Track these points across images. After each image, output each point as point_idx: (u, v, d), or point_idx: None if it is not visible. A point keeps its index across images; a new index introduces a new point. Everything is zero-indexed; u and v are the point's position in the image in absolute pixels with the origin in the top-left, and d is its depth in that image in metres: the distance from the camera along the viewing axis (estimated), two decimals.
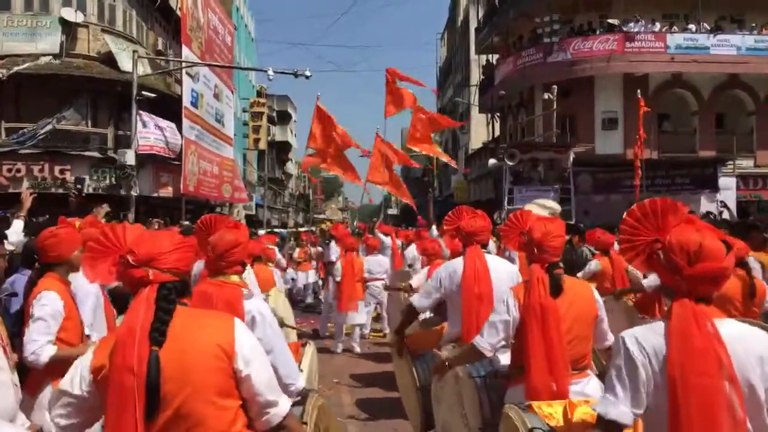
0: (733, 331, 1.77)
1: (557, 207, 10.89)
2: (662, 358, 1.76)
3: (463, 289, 3.86)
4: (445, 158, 16.70)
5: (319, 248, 13.04)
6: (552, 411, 2.47)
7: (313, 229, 25.47)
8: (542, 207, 9.70)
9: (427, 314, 4.90)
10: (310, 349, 3.81)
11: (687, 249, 1.80)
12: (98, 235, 1.94)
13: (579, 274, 6.08)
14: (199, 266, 3.27)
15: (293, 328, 6.04)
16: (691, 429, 1.69)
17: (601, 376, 3.11)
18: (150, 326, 1.75)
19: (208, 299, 2.81)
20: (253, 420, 1.85)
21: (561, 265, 3.06)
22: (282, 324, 5.76)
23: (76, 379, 1.80)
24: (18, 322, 3.15)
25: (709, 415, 1.68)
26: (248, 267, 5.17)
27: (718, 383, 1.69)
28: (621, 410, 1.79)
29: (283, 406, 1.89)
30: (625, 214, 2.05)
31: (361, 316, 8.97)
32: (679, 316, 1.78)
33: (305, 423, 2.40)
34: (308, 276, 13.90)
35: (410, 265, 9.12)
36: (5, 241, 4.44)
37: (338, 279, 8.83)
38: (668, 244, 1.85)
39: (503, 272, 3.95)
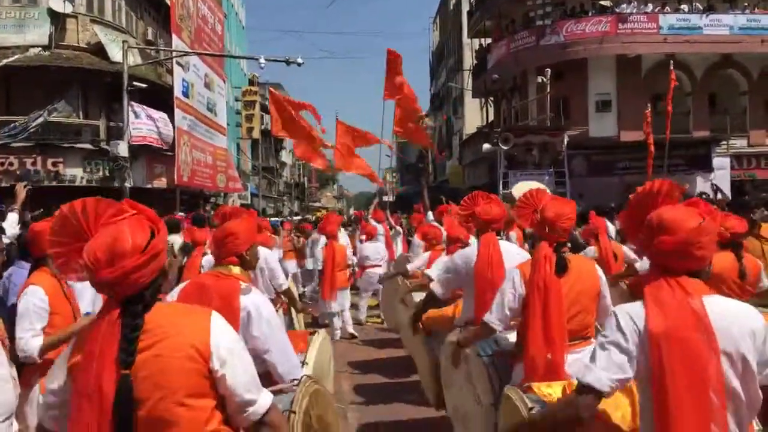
0: (725, 307, 1.84)
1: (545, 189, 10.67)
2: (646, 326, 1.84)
3: (476, 275, 3.90)
4: (423, 143, 16.82)
5: (313, 237, 13.00)
6: (551, 391, 2.51)
7: (307, 217, 25.41)
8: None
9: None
10: (318, 338, 3.69)
11: (650, 224, 1.91)
12: (60, 219, 1.74)
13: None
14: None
15: (309, 312, 6.06)
16: (675, 384, 1.74)
17: None
18: (117, 347, 1.62)
19: (204, 292, 2.81)
20: (232, 416, 1.79)
21: (568, 244, 3.17)
22: (303, 310, 5.83)
23: (57, 371, 1.74)
24: (14, 316, 3.16)
25: (693, 363, 1.74)
26: (274, 254, 5.21)
27: (697, 335, 1.76)
28: (597, 375, 1.84)
29: (263, 402, 1.83)
30: (631, 195, 2.14)
31: (346, 301, 8.92)
32: (653, 284, 1.87)
33: (293, 412, 2.34)
34: (295, 265, 13.83)
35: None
36: (2, 236, 4.44)
37: (320, 267, 8.77)
38: (647, 221, 1.94)
39: (516, 256, 3.98)
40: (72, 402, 1.64)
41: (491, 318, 3.15)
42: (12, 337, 2.98)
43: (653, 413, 1.80)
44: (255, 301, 2.82)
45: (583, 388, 1.88)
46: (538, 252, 3.05)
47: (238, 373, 1.76)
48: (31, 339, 3.07)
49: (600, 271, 3.21)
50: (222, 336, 1.75)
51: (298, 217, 26.39)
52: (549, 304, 2.92)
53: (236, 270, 2.92)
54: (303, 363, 3.21)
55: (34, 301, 3.12)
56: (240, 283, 2.85)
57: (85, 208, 1.71)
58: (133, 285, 1.64)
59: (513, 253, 3.99)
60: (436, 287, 4.18)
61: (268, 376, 2.94)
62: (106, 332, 1.63)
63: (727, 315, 1.81)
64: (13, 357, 2.90)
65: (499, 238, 4.07)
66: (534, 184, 6.49)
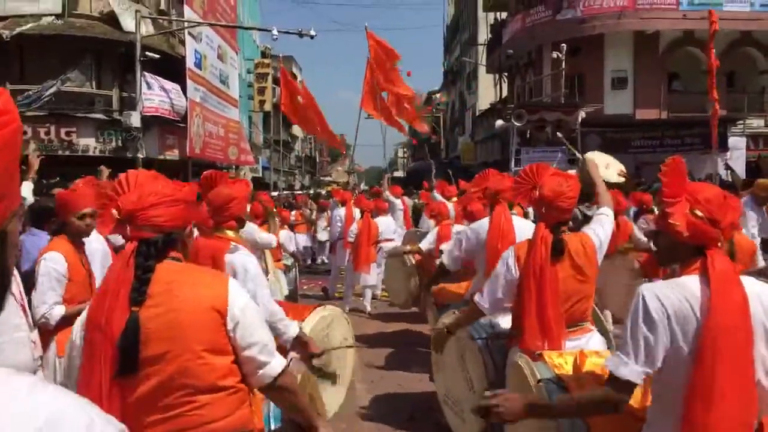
0: (752, 286, 1.79)
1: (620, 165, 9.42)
2: (683, 316, 1.75)
3: (487, 245, 3.94)
4: (416, 125, 17.30)
5: (329, 212, 13.22)
6: (562, 361, 2.47)
7: (319, 191, 25.43)
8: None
9: None
10: (322, 311, 3.51)
11: (719, 201, 1.83)
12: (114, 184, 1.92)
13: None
14: None
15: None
16: (718, 383, 1.69)
17: (601, 333, 3.16)
18: (130, 286, 1.72)
19: (195, 252, 2.92)
20: (247, 377, 1.85)
21: (570, 224, 3.02)
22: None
23: (77, 329, 1.83)
24: (27, 282, 3.21)
25: (740, 370, 1.70)
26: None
27: (748, 337, 1.71)
28: (632, 369, 1.77)
29: (275, 365, 1.88)
30: (661, 177, 1.94)
31: (372, 277, 9.07)
32: (723, 268, 1.78)
33: None
34: (306, 238, 13.96)
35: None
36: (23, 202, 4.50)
37: (351, 239, 8.85)
38: (704, 200, 1.84)
39: (526, 230, 3.97)
40: (86, 336, 1.74)
41: (482, 300, 3.02)
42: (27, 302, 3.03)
43: (689, 400, 1.73)
44: (241, 260, 2.95)
45: (619, 384, 1.81)
46: (535, 233, 2.92)
47: (252, 334, 1.83)
48: (54, 307, 3.14)
49: (594, 240, 3.00)
50: (238, 298, 1.83)
51: (311, 191, 26.42)
52: (544, 290, 2.80)
53: (229, 233, 3.05)
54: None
55: (55, 267, 3.17)
56: (230, 243, 2.99)
57: (128, 175, 1.91)
58: (149, 221, 1.77)
59: (525, 228, 4.00)
60: (445, 259, 4.24)
61: None
62: (120, 272, 1.75)
63: (755, 293, 1.77)
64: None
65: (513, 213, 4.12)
66: (606, 158, 6.27)
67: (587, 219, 4.27)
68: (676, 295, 1.78)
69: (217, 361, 1.76)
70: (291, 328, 2.92)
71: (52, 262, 3.19)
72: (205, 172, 3.40)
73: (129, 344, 1.68)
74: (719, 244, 1.83)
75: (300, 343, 2.96)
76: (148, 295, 1.73)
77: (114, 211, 1.79)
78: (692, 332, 1.74)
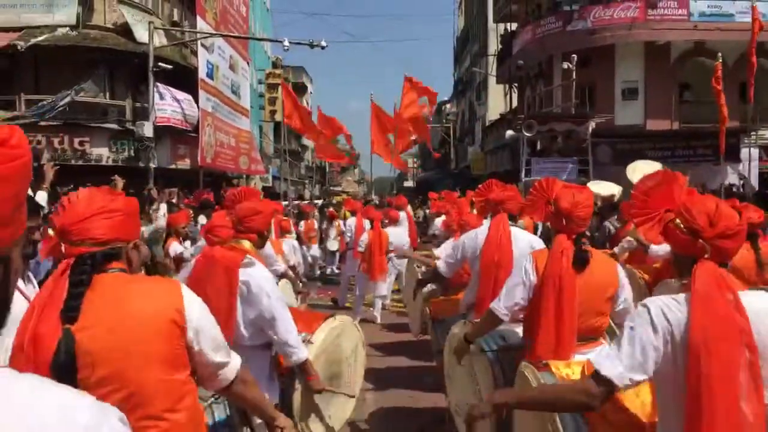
0: (756, 302, 1.76)
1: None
2: (682, 330, 1.75)
3: (482, 255, 3.88)
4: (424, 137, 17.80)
5: (340, 222, 13.32)
6: (569, 372, 2.41)
7: (329, 201, 25.48)
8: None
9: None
10: (333, 322, 3.51)
11: (705, 211, 1.81)
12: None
13: (616, 249, 6.00)
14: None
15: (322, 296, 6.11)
16: (712, 398, 1.67)
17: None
18: (62, 303, 1.59)
19: (212, 263, 2.94)
20: (205, 380, 1.81)
21: (588, 234, 3.01)
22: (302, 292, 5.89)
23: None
24: None
25: (729, 382, 1.67)
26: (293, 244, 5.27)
27: (737, 349, 1.69)
28: (618, 371, 1.75)
29: (234, 363, 1.87)
30: (632, 188, 2.06)
31: (384, 287, 9.12)
32: (703, 281, 1.76)
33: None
34: (316, 248, 13.93)
35: (434, 235, 9.21)
36: (41, 211, 4.53)
37: (361, 249, 8.86)
38: (685, 210, 1.84)
39: (525, 242, 3.94)
40: (10, 358, 1.57)
41: (498, 306, 2.96)
42: None
43: (685, 417, 1.72)
44: (255, 275, 2.91)
45: (600, 380, 1.78)
46: (555, 245, 2.85)
47: (211, 338, 1.77)
48: None
49: (621, 272, 2.98)
50: (193, 305, 1.74)
51: (319, 201, 26.47)
52: (563, 301, 2.74)
53: (246, 244, 3.07)
54: (307, 341, 3.22)
55: None
56: (246, 255, 2.95)
57: (68, 197, 1.80)
58: (84, 235, 1.66)
59: (523, 239, 3.97)
60: (440, 264, 4.22)
61: (269, 347, 3.06)
62: (52, 289, 1.63)
63: (759, 310, 1.75)
64: None
65: (511, 224, 4.05)
66: (653, 165, 6.17)
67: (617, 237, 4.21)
68: (680, 308, 1.78)
69: (175, 377, 1.67)
70: (301, 353, 2.94)
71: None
72: (232, 189, 3.53)
73: (62, 365, 1.53)
74: (706, 254, 1.81)
75: (304, 370, 2.98)
76: (89, 311, 1.60)
77: (51, 232, 1.73)
78: (685, 346, 1.74)
